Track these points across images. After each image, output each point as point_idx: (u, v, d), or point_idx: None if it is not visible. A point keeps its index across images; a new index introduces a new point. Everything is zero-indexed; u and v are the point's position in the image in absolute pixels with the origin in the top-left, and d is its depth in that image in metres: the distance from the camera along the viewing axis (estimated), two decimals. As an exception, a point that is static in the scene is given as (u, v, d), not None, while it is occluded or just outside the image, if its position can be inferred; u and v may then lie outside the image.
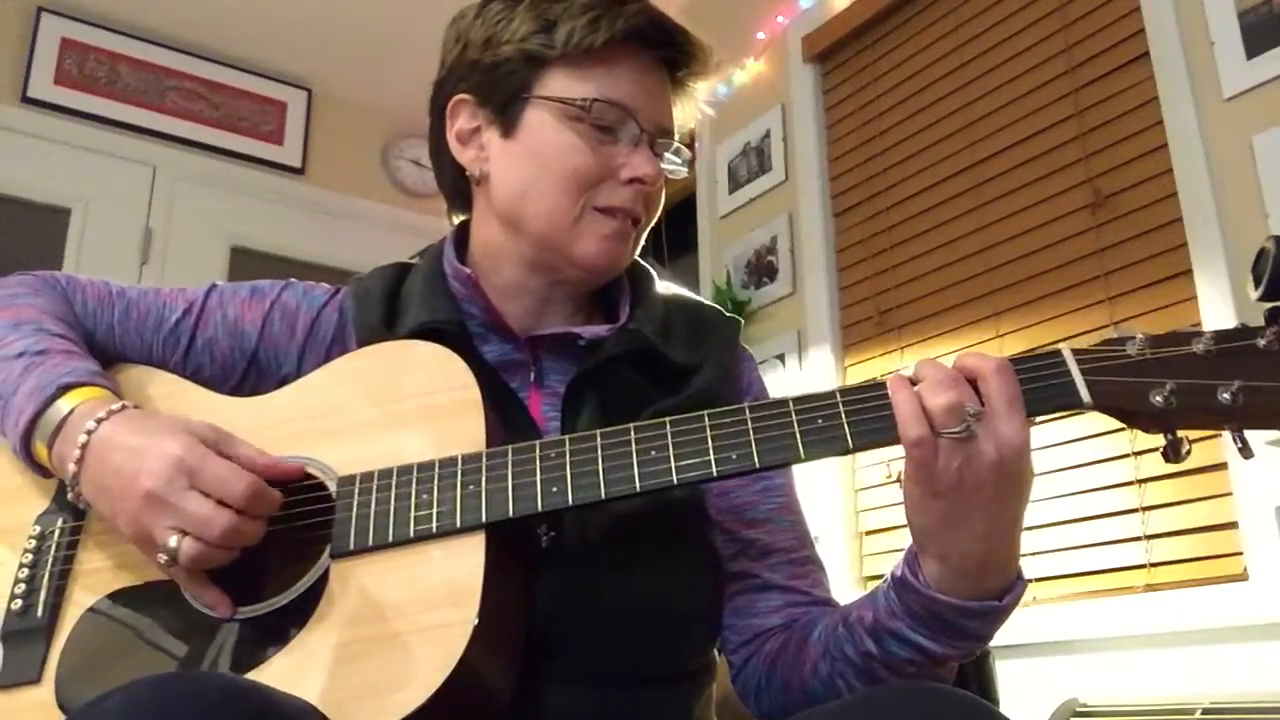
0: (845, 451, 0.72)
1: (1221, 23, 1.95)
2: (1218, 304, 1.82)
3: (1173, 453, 0.69)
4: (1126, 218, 2.07)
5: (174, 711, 0.58)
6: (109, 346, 0.95)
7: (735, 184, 3.07)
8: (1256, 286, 0.69)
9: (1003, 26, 2.40)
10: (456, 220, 1.01)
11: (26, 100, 3.32)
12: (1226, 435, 0.69)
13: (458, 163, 0.94)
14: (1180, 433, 0.69)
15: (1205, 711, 1.60)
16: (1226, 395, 0.66)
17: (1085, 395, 0.69)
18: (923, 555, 0.73)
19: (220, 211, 3.59)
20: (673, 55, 0.93)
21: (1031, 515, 2.23)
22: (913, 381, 0.71)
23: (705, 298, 3.17)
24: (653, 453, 0.75)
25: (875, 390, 0.72)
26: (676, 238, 3.34)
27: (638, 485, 0.75)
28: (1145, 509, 1.93)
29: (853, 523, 2.50)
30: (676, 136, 0.95)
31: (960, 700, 0.65)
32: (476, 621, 0.71)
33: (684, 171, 0.96)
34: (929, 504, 0.70)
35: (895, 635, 0.75)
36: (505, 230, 0.92)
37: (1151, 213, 2.03)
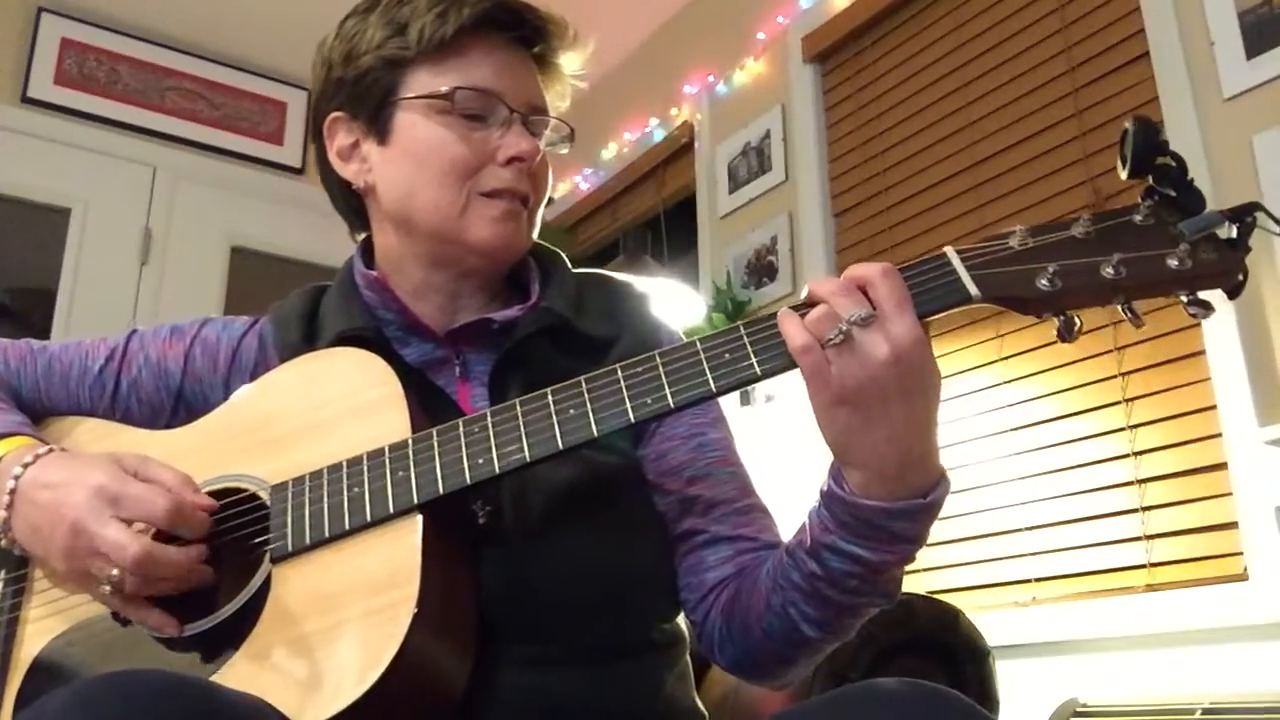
0: (755, 379, 0.74)
1: (1221, 23, 1.95)
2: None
3: (1066, 331, 0.71)
4: (1126, 218, 2.07)
5: (116, 706, 0.59)
6: (36, 403, 0.96)
7: (735, 184, 3.07)
8: (1124, 166, 0.71)
9: (1003, 26, 2.40)
10: (359, 239, 1.03)
11: (26, 100, 3.33)
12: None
13: (344, 180, 0.96)
14: (1071, 312, 0.71)
15: (1205, 711, 1.60)
16: (1109, 270, 0.69)
17: (973, 289, 0.71)
18: (844, 466, 0.74)
19: (220, 211, 3.60)
20: (526, 34, 0.95)
21: (1032, 515, 2.22)
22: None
23: (705, 298, 3.17)
24: (571, 411, 0.76)
25: (775, 318, 0.74)
26: (676, 238, 3.34)
27: (560, 443, 0.76)
28: (1145, 509, 1.93)
29: (853, 523, 2.50)
30: (552, 111, 0.97)
31: (946, 698, 0.66)
32: (418, 597, 0.72)
33: (566, 147, 0.98)
34: (836, 412, 0.71)
35: (832, 549, 0.76)
36: (400, 234, 0.94)
37: (1151, 213, 2.02)
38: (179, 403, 0.97)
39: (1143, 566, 1.91)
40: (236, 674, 0.75)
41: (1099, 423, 2.02)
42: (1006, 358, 2.21)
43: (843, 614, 0.80)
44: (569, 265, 1.01)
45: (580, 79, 1.01)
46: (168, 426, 0.95)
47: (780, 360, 0.73)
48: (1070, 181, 2.19)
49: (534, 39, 0.96)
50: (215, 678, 0.75)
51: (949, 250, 0.72)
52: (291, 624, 0.75)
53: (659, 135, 3.43)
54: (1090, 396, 2.04)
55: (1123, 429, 1.98)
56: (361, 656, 0.71)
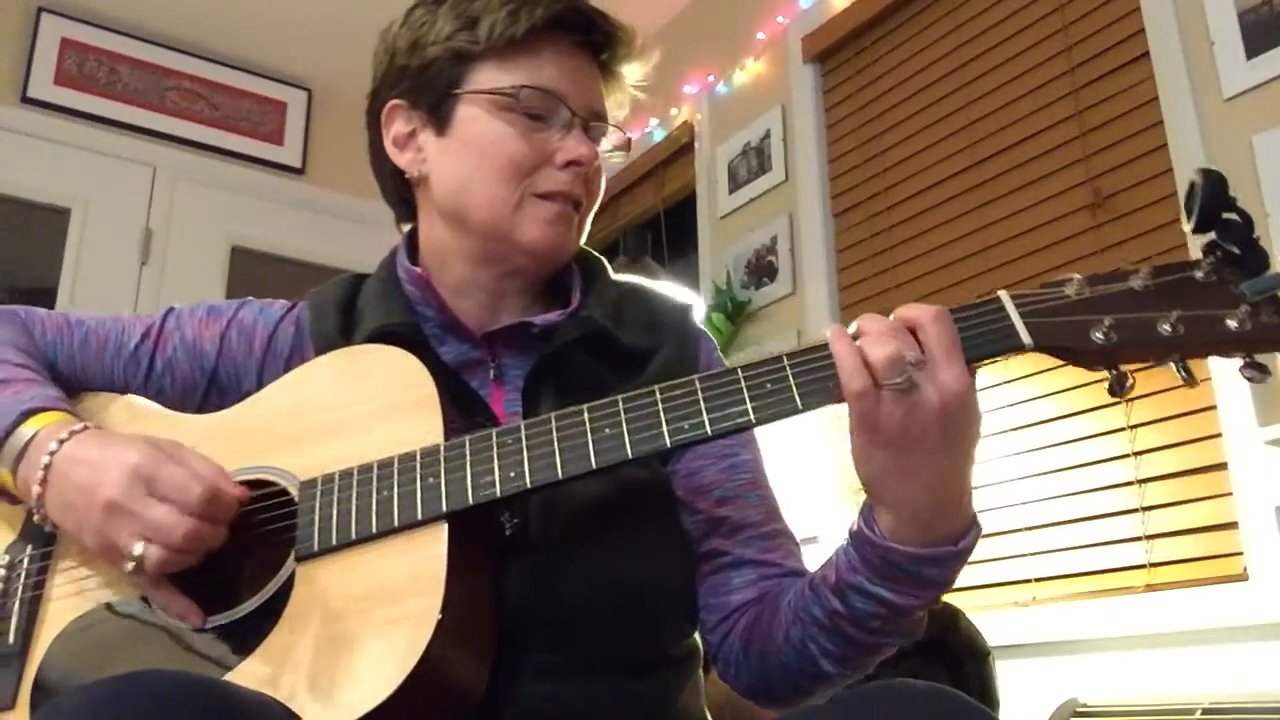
0: (795, 412, 0.73)
1: (1221, 23, 1.95)
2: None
3: (1118, 387, 0.70)
4: (1126, 218, 2.07)
5: (131, 707, 0.59)
6: (71, 376, 0.96)
7: (735, 184, 3.07)
8: (1189, 219, 0.70)
9: (1003, 26, 2.40)
10: (405, 229, 1.02)
11: (26, 100, 3.32)
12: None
13: (398, 169, 0.96)
14: (1124, 367, 0.70)
15: (1205, 711, 1.60)
16: (1167, 326, 0.67)
17: (1025, 337, 0.70)
18: (876, 507, 0.73)
19: (220, 211, 3.59)
20: (595, 39, 0.95)
21: (1032, 515, 2.22)
22: (855, 335, 0.71)
23: (705, 298, 3.16)
24: (606, 430, 0.76)
25: (820, 350, 0.73)
26: (676, 238, 3.34)
27: (594, 462, 0.75)
28: (1145, 509, 1.92)
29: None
30: (611, 119, 0.97)
31: (949, 698, 0.66)
32: (441, 608, 0.72)
33: (622, 155, 0.98)
34: (875, 455, 0.70)
35: (857, 590, 0.75)
36: (450, 227, 0.93)
37: (1151, 213, 2.02)
38: (212, 384, 0.96)
39: (1143, 566, 1.91)
40: (254, 672, 0.75)
41: (1099, 422, 2.02)
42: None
43: (862, 652, 0.79)
44: (610, 272, 1.00)
45: (641, 89, 1.01)
46: (200, 407, 0.95)
47: (824, 395, 0.72)
48: (1070, 181, 2.18)
49: (602, 46, 0.95)
50: (233, 674, 0.75)
51: (1003, 295, 0.71)
52: (313, 625, 0.75)
53: (659, 135, 3.43)
54: (1090, 396, 2.04)
55: (1123, 429, 1.98)
56: (381, 665, 0.71)
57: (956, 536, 0.73)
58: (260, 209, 3.68)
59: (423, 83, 0.92)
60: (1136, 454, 1.95)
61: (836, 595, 0.77)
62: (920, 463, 0.69)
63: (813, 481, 2.50)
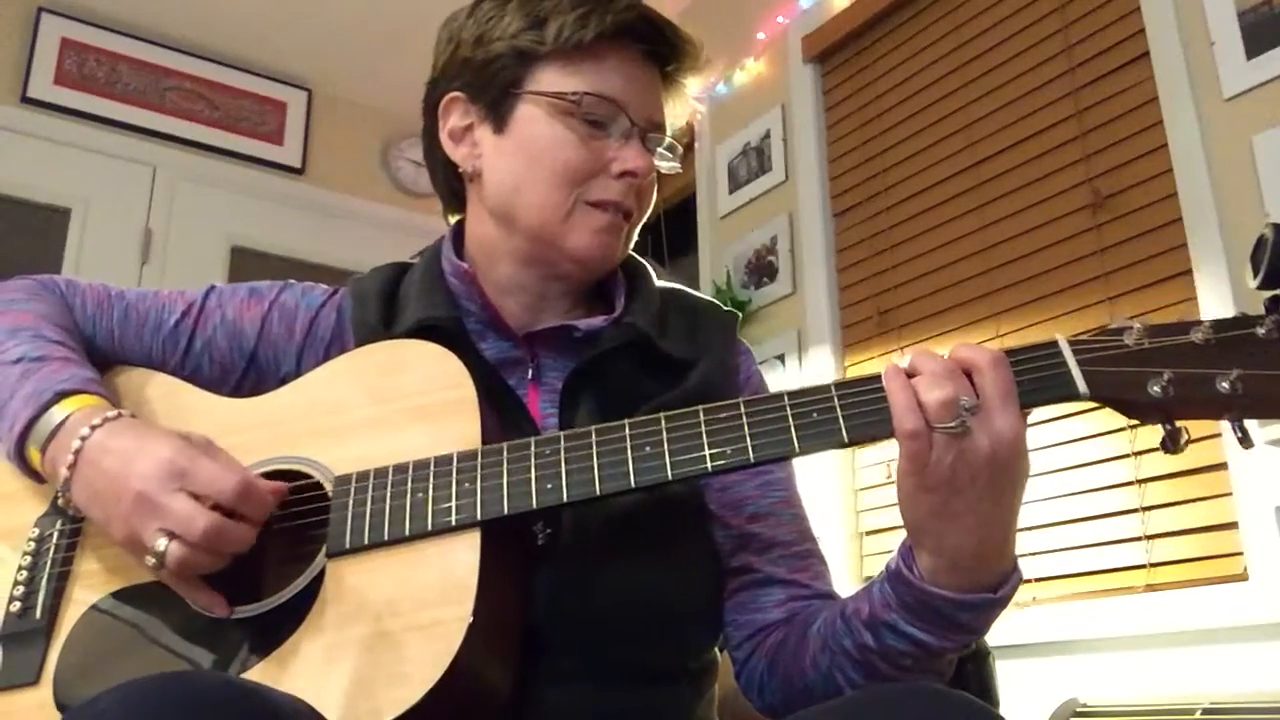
0: (840, 445, 0.72)
1: (1221, 23, 1.95)
2: (1217, 304, 1.82)
3: (1171, 443, 0.68)
4: (1126, 218, 2.07)
5: (168, 712, 0.58)
6: (108, 350, 0.96)
7: (735, 184, 3.07)
8: (1255, 274, 0.68)
9: (1003, 26, 2.40)
10: (452, 220, 1.02)
11: (26, 100, 3.32)
12: (1228, 433, 0.69)
13: (451, 161, 0.95)
14: (1179, 422, 0.68)
15: (1205, 711, 1.60)
16: (1225, 384, 0.66)
17: (1082, 386, 0.68)
18: (916, 548, 0.72)
19: (220, 211, 3.59)
20: (662, 50, 0.94)
21: (1032, 515, 2.21)
22: (909, 373, 0.70)
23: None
24: (647, 448, 0.75)
25: (870, 384, 0.72)
26: (676, 238, 3.34)
27: (633, 481, 0.75)
28: (1145, 509, 1.93)
29: (853, 523, 2.51)
30: (669, 131, 0.95)
31: (955, 700, 0.65)
32: (471, 618, 0.71)
33: (677, 166, 0.96)
34: (922, 497, 0.69)
35: (891, 628, 0.74)
36: (499, 226, 0.93)
37: (1151, 213, 2.02)
38: (250, 366, 0.96)
39: (1143, 566, 1.91)
40: (280, 668, 0.74)
41: (1099, 422, 2.02)
42: (1006, 358, 2.21)
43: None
44: (654, 279, 0.99)
45: (710, 104, 1.01)
46: (236, 388, 0.95)
47: (871, 431, 0.71)
48: (1070, 181, 2.19)
49: (668, 57, 0.94)
50: (259, 668, 0.75)
51: (1061, 340, 0.70)
52: (342, 624, 0.75)
53: (659, 135, 3.42)
54: (1090, 396, 2.04)
55: (1123, 429, 1.98)
56: (409, 671, 0.71)
57: (996, 584, 0.72)
58: (260, 209, 3.68)
59: (484, 78, 0.91)
60: (1137, 454, 1.95)
61: (869, 630, 0.76)
62: (965, 508, 0.68)
63: (813, 479, 2.50)
